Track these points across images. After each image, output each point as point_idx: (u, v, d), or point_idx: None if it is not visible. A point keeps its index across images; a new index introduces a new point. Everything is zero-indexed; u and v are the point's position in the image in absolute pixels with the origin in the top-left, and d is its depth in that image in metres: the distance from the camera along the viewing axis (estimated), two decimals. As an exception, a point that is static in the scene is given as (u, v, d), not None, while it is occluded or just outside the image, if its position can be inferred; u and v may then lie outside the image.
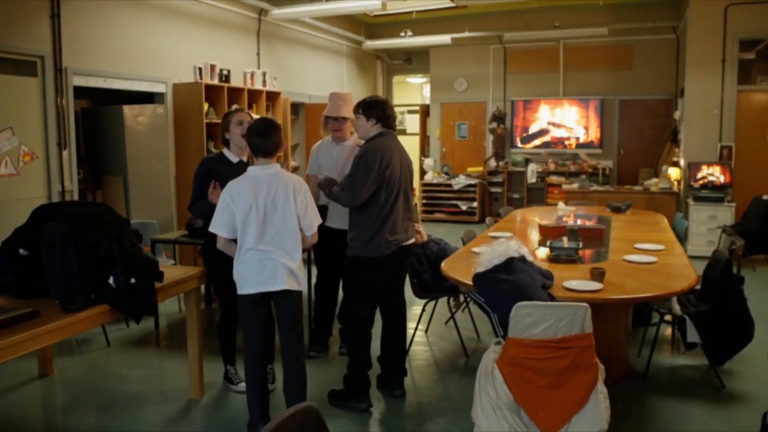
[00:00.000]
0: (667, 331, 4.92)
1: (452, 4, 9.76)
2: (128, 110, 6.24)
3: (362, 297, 3.75)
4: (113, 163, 6.29)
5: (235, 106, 6.69)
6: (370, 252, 3.61)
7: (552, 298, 3.18)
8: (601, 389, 2.94)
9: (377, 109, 3.69)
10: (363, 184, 3.50)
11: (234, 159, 3.86)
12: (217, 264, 3.68)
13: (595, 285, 3.41)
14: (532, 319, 2.90)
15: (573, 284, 3.41)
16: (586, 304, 2.90)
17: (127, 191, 6.22)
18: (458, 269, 3.87)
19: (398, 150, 3.73)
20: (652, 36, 10.07)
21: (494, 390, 2.94)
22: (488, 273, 3.24)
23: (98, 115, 6.42)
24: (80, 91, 5.95)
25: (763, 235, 7.02)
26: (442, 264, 4.05)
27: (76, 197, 5.75)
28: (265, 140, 3.24)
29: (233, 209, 3.19)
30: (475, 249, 4.30)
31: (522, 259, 3.29)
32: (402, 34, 10.57)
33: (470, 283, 3.46)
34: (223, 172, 3.68)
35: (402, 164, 3.73)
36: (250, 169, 3.32)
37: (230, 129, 3.83)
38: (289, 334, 3.36)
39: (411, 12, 10.43)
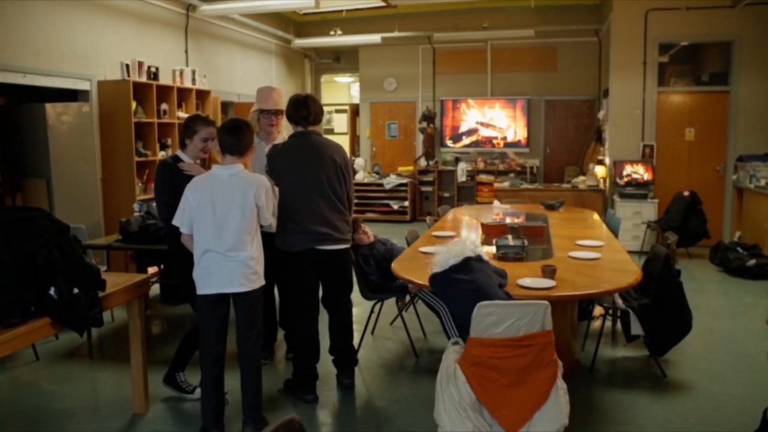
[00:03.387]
0: (600, 323, 5.05)
1: (383, 4, 9.75)
2: (51, 109, 5.87)
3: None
4: (35, 164, 5.90)
5: (206, 114, 6.36)
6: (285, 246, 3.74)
7: (509, 297, 3.19)
8: (561, 385, 2.97)
9: (288, 109, 3.82)
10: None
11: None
12: (189, 265, 3.37)
13: (548, 282, 3.45)
14: (494, 318, 2.91)
15: (527, 282, 3.44)
16: (546, 302, 2.93)
17: (50, 194, 5.85)
18: (410, 269, 3.83)
19: (310, 151, 3.74)
20: (576, 39, 10.42)
21: (457, 390, 2.93)
22: (446, 273, 3.23)
23: (17, 114, 6.00)
24: (-5, 88, 5.56)
25: (684, 229, 7.37)
26: (393, 264, 4.01)
27: (-5, 201, 5.37)
28: (235, 138, 3.24)
29: (193, 205, 3.20)
30: (426, 249, 4.28)
31: (478, 258, 3.30)
32: (332, 32, 10.48)
33: (423, 282, 3.44)
34: (178, 175, 3.57)
35: (316, 164, 3.73)
36: (214, 167, 3.30)
37: (194, 140, 3.71)
38: (246, 335, 3.33)
39: (341, 11, 10.35)
